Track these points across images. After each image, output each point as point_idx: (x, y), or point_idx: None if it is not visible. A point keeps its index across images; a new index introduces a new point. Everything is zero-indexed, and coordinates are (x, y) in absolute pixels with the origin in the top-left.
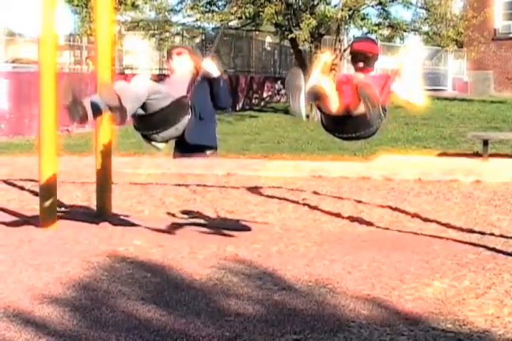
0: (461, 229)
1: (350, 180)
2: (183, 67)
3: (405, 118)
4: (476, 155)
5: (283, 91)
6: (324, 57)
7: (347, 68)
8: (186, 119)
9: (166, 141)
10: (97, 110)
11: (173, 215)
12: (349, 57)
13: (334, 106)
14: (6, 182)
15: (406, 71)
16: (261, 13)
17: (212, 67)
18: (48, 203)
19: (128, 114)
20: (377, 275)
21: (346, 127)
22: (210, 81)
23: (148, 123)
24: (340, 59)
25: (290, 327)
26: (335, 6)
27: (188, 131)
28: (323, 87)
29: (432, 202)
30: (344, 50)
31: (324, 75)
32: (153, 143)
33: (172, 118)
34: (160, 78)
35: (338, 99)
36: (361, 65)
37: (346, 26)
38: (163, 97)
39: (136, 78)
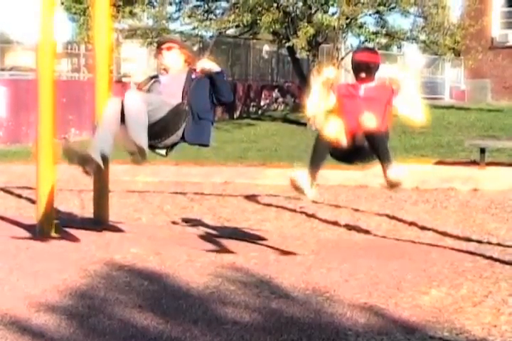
0: (459, 238)
1: (347, 188)
2: (176, 63)
3: (402, 126)
4: (474, 163)
5: (280, 100)
6: (327, 72)
7: (345, 76)
8: (185, 125)
9: (168, 147)
10: (104, 157)
11: (171, 223)
12: (346, 66)
13: (344, 143)
14: (3, 189)
15: (408, 88)
16: (258, 21)
17: (211, 63)
18: (45, 211)
19: (146, 151)
20: (374, 283)
21: (356, 156)
22: (211, 77)
23: (150, 133)
24: (338, 67)
25: (287, 336)
26: (333, 14)
27: (188, 131)
28: (333, 132)
29: (430, 211)
30: (342, 59)
31: (326, 96)
32: (156, 150)
33: (171, 126)
34: (154, 78)
35: (344, 124)
36: (363, 75)
37: (344, 35)
38: (158, 108)
39: (129, 97)
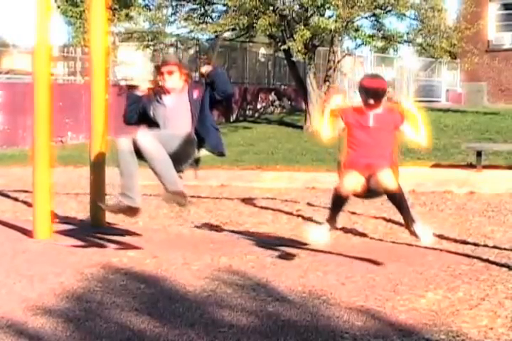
0: (455, 241)
1: None
2: (177, 85)
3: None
4: (470, 166)
5: (277, 103)
6: (335, 100)
7: (341, 80)
8: (197, 152)
9: (183, 171)
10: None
11: (168, 226)
12: (342, 69)
13: (360, 190)
14: (0, 193)
15: (414, 117)
16: (255, 25)
17: (207, 67)
18: (42, 214)
19: (185, 192)
20: (371, 286)
21: (373, 195)
22: (209, 78)
23: None
24: (334, 70)
25: (284, 339)
26: (329, 17)
27: (210, 140)
28: (350, 188)
29: (426, 214)
30: (338, 62)
31: (336, 122)
32: None
33: (184, 156)
34: (156, 95)
35: (358, 157)
36: (372, 101)
37: (340, 38)
38: (170, 141)
39: (143, 140)
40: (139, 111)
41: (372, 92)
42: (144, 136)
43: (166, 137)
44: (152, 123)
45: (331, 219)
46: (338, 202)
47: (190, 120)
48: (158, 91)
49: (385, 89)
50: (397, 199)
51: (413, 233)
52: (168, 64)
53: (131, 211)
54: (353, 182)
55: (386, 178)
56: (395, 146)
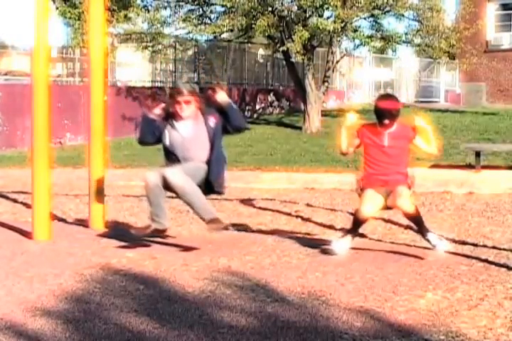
0: (454, 241)
1: (343, 192)
2: (193, 113)
3: None
4: (469, 166)
5: (276, 103)
6: (349, 118)
7: (339, 80)
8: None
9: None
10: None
11: None
12: (341, 70)
13: (382, 209)
14: None
15: (426, 131)
16: (253, 26)
17: (223, 97)
18: (41, 215)
19: (220, 218)
20: (370, 287)
21: (391, 208)
22: (222, 109)
23: None
24: (333, 71)
25: (283, 340)
26: (327, 18)
27: (221, 174)
28: (371, 213)
29: (425, 214)
30: (337, 62)
31: (351, 138)
32: None
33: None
34: (169, 119)
35: (374, 174)
36: (387, 121)
37: (339, 38)
38: (196, 174)
39: (175, 177)
40: (154, 134)
41: (387, 113)
42: (173, 173)
43: (193, 170)
44: (168, 151)
45: (352, 233)
46: (360, 222)
47: (209, 149)
48: (171, 116)
49: (398, 109)
50: (414, 219)
51: (429, 241)
52: (185, 94)
53: (160, 232)
54: (373, 207)
55: (404, 203)
56: (409, 157)
